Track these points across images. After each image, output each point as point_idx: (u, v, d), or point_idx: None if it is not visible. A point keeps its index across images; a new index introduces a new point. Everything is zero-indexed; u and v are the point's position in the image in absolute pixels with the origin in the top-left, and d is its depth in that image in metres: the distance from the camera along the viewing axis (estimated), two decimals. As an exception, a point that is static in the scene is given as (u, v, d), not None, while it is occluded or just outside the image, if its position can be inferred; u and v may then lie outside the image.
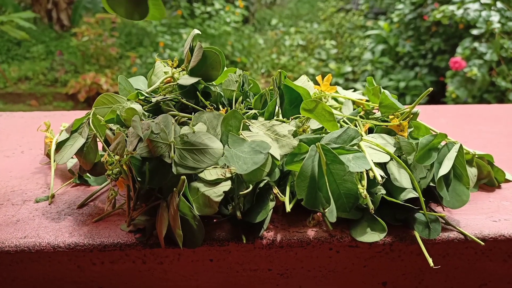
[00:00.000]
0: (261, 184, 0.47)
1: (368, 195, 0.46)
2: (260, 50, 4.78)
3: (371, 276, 0.51)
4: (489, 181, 0.60)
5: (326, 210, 0.44)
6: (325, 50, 4.38)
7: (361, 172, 0.47)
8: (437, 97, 3.29)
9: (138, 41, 4.97)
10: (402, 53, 3.64)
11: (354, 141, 0.49)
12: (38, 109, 4.25)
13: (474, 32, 3.06)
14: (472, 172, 0.55)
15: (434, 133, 0.56)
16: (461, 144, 0.51)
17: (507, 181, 0.61)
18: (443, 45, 3.43)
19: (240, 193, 0.45)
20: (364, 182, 0.47)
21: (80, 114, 0.93)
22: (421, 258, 0.48)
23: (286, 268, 0.50)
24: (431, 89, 0.52)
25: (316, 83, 0.68)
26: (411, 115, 0.55)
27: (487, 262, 0.51)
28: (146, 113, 0.55)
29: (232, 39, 4.55)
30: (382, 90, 0.59)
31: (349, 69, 3.84)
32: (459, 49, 3.15)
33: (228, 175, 0.44)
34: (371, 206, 0.46)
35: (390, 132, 0.56)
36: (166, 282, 0.51)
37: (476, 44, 3.07)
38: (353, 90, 0.73)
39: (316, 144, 0.45)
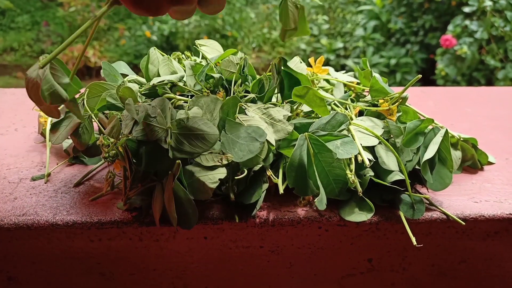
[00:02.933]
0: (256, 168, 0.49)
1: (356, 179, 0.48)
2: (251, 24, 4.71)
3: (357, 253, 0.54)
4: (472, 164, 0.62)
5: (315, 200, 0.46)
6: (317, 25, 4.34)
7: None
8: (427, 75, 3.31)
9: (127, 13, 4.86)
10: (394, 30, 3.63)
11: (343, 126, 0.50)
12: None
13: (466, 9, 3.06)
14: (456, 155, 0.57)
15: (422, 117, 0.57)
16: (446, 129, 0.53)
17: (490, 163, 0.64)
18: (435, 22, 3.42)
19: (235, 177, 0.46)
20: (353, 167, 0.49)
21: (72, 91, 0.93)
22: (405, 237, 0.51)
23: (277, 245, 0.53)
24: (419, 76, 0.53)
25: (308, 63, 0.69)
26: (400, 100, 0.56)
27: (467, 241, 0.53)
28: (141, 95, 0.56)
29: (223, 12, 4.47)
30: (373, 74, 0.60)
31: (340, 45, 3.82)
32: (450, 27, 3.15)
33: (225, 162, 0.45)
34: (359, 189, 0.48)
35: (379, 115, 0.58)
36: (162, 258, 0.53)
37: (467, 22, 3.07)
38: (344, 72, 0.74)
39: (305, 134, 0.47)
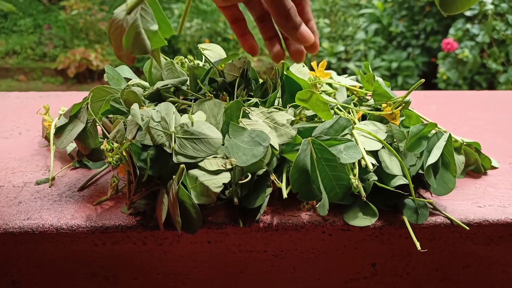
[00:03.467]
0: (259, 172, 0.49)
1: (360, 183, 0.48)
2: (253, 27, 4.73)
3: (361, 257, 0.54)
4: (476, 168, 0.62)
5: (317, 205, 0.46)
6: (318, 28, 4.35)
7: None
8: (429, 78, 3.31)
9: (129, 16, 4.86)
10: (395, 33, 3.63)
11: (346, 131, 0.50)
12: (27, 84, 4.19)
13: (467, 13, 3.06)
14: (459, 159, 0.57)
15: (425, 121, 0.57)
16: (450, 134, 0.53)
17: (493, 168, 0.64)
18: (436, 25, 3.43)
19: (239, 182, 0.46)
20: (356, 171, 0.49)
21: (75, 95, 0.94)
22: (409, 241, 0.51)
23: (281, 250, 0.53)
24: (423, 80, 0.54)
25: (310, 67, 0.69)
26: (403, 104, 0.56)
27: (471, 245, 0.53)
28: (145, 99, 0.56)
29: (225, 15, 4.48)
30: (376, 78, 0.60)
31: (342, 48, 3.82)
32: (451, 30, 3.16)
33: (229, 166, 0.45)
34: (363, 193, 0.48)
35: (382, 120, 0.58)
36: (166, 262, 0.53)
37: (468, 26, 3.08)
38: (346, 76, 0.74)
39: (308, 138, 0.47)
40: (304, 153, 0.47)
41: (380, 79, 0.59)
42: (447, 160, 0.53)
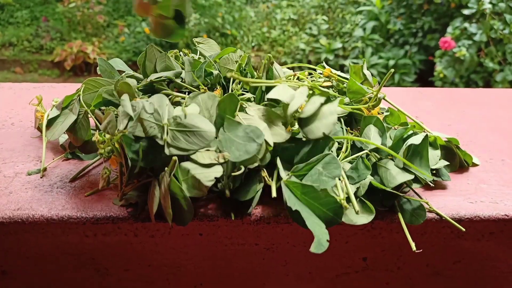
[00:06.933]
0: (252, 165, 0.49)
1: (352, 198, 0.48)
2: (251, 23, 4.71)
3: (352, 251, 0.54)
4: (460, 164, 0.63)
5: (311, 249, 0.43)
6: (316, 25, 4.33)
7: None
8: (426, 77, 3.31)
9: (126, 9, 4.85)
10: (393, 31, 3.63)
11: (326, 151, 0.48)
12: (23, 76, 4.17)
13: (465, 12, 3.06)
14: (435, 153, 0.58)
15: (408, 119, 0.58)
16: (426, 135, 0.53)
17: (475, 165, 0.64)
18: (434, 24, 3.43)
19: (232, 174, 0.46)
20: (344, 187, 0.48)
21: (69, 86, 0.93)
22: (400, 236, 0.51)
23: (272, 243, 0.53)
24: (392, 70, 0.54)
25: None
26: (376, 101, 0.57)
27: (462, 241, 0.54)
28: (138, 91, 0.56)
29: (223, 10, 4.46)
30: (365, 70, 0.60)
31: (339, 45, 3.81)
32: (449, 29, 3.16)
33: (222, 160, 0.45)
34: (356, 208, 0.47)
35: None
36: (157, 254, 0.53)
37: (466, 24, 3.08)
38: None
39: (282, 181, 0.46)
40: (286, 194, 0.46)
41: (367, 72, 0.59)
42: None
